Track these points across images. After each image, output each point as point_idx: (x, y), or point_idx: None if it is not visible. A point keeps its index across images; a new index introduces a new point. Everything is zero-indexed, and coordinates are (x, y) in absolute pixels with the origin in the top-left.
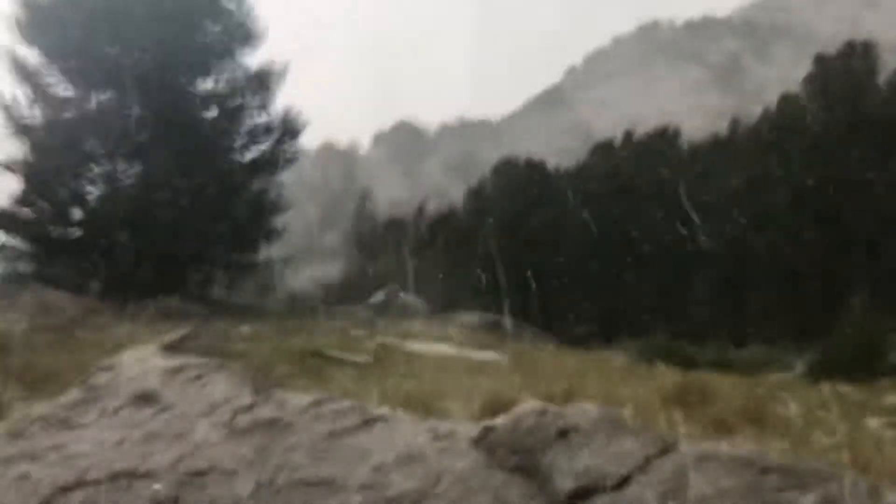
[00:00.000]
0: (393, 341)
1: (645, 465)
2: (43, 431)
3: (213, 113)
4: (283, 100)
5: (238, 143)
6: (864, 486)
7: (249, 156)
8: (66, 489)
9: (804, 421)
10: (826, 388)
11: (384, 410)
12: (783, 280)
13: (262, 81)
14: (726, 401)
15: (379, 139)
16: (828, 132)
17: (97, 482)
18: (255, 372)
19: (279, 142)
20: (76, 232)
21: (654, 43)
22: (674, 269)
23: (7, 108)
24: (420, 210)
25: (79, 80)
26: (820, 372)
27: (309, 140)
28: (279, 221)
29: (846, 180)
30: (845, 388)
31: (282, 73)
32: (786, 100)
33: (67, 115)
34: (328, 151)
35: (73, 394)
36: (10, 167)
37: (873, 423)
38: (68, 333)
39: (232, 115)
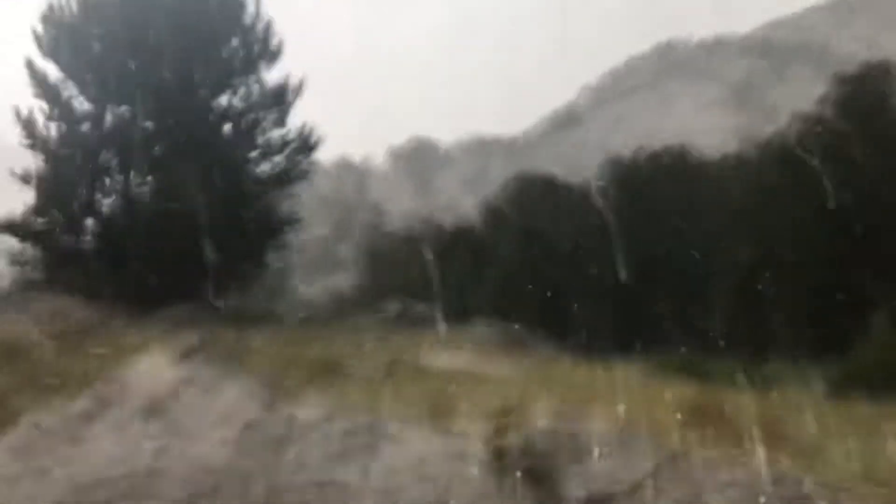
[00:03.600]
0: (406, 353)
1: (656, 476)
2: (50, 445)
3: (228, 127)
4: (300, 114)
5: (253, 156)
6: None
7: (264, 169)
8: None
9: (822, 439)
10: (845, 405)
11: (396, 421)
12: (803, 296)
13: (279, 97)
14: (743, 417)
15: (393, 153)
16: (846, 150)
17: (109, 485)
18: (266, 383)
19: (294, 156)
20: (89, 242)
21: (669, 61)
22: (691, 283)
23: (24, 121)
24: (434, 223)
25: (96, 94)
26: (840, 389)
27: (323, 153)
28: (292, 233)
29: (866, 197)
30: (865, 407)
31: (298, 89)
32: (802, 118)
33: (83, 128)
34: (342, 165)
35: (83, 403)
36: (25, 179)
37: (893, 443)
38: (80, 340)
39: (248, 129)
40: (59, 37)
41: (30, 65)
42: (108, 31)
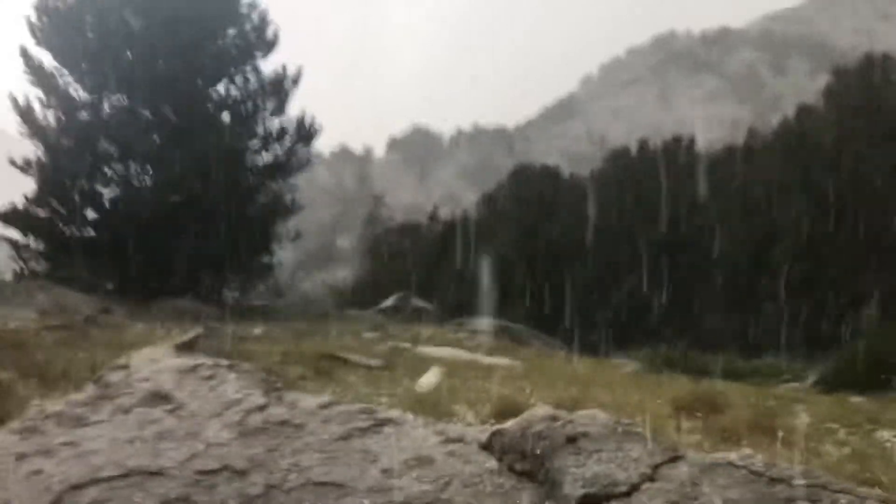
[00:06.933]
0: (404, 345)
1: (654, 474)
2: (56, 428)
3: (227, 117)
4: (300, 104)
5: (252, 147)
6: (874, 501)
7: (263, 159)
8: (78, 486)
9: (815, 432)
10: (838, 399)
11: (395, 413)
12: (797, 290)
13: (277, 86)
14: (736, 410)
15: (393, 144)
16: (846, 143)
17: (110, 479)
18: (267, 373)
19: (293, 146)
20: (90, 232)
21: (669, 53)
22: (687, 277)
23: (22, 110)
24: (433, 215)
25: (93, 83)
26: (832, 383)
27: (323, 144)
28: (292, 224)
29: (863, 191)
30: (857, 400)
31: (296, 78)
32: (804, 111)
33: (82, 117)
34: (342, 155)
35: (87, 391)
36: (25, 168)
37: (885, 435)
38: (82, 332)
39: (246, 119)
40: (53, 25)
41: (24, 53)
42: (102, 20)
